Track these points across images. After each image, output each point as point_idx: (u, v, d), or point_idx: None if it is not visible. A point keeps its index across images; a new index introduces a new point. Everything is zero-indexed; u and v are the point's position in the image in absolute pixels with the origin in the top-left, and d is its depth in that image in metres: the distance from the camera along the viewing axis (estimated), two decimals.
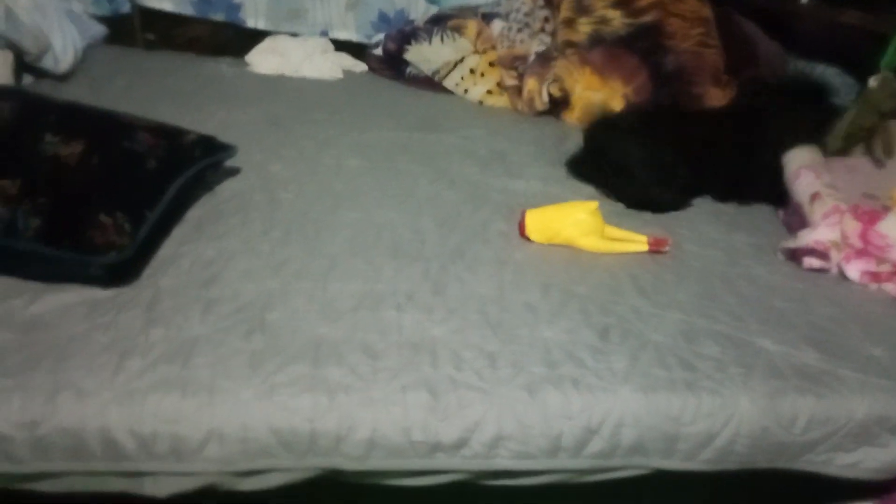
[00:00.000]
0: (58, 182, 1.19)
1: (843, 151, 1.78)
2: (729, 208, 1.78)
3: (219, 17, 2.69)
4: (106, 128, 1.34)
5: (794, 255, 1.54)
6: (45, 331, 1.07)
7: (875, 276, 1.47)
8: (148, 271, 1.25)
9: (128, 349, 1.05)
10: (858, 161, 1.85)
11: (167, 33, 2.71)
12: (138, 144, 1.34)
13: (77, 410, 0.96)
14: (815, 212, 1.57)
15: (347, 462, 1.02)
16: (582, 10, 2.41)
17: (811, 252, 1.50)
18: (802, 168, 1.71)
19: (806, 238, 1.50)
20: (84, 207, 1.17)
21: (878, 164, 1.72)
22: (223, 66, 2.51)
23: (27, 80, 2.06)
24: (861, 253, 1.49)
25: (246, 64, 2.55)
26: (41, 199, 1.15)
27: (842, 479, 1.16)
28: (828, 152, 1.79)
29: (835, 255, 1.48)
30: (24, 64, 2.02)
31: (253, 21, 2.71)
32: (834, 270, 1.50)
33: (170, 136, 1.42)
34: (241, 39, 2.66)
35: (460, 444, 1.04)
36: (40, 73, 2.08)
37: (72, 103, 1.42)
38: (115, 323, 1.11)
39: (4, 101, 1.30)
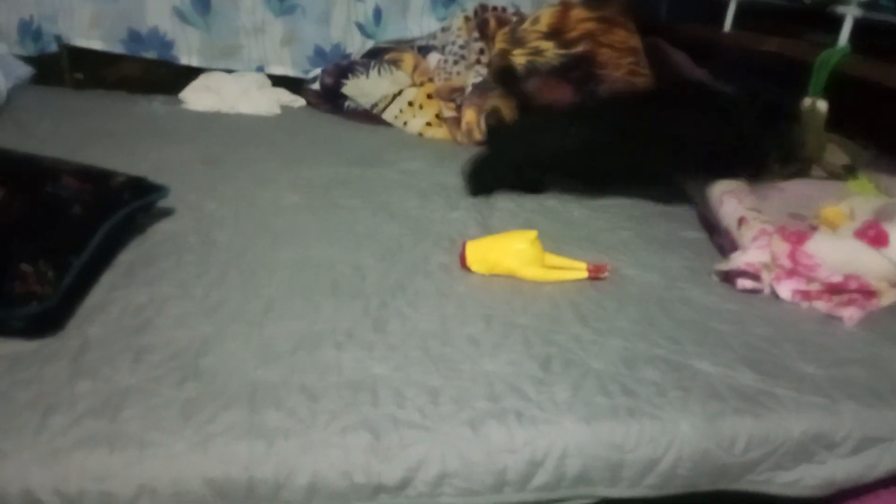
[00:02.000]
0: None
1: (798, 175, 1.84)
2: (661, 233, 1.81)
3: (150, 54, 2.66)
4: (28, 173, 1.29)
5: (728, 277, 1.57)
6: None
7: (805, 295, 1.51)
8: (75, 320, 1.20)
9: (52, 405, 1.00)
10: (785, 183, 1.92)
11: (97, 72, 2.66)
12: (63, 189, 1.29)
13: None
14: (744, 235, 1.61)
15: None
16: (516, 42, 2.46)
17: (743, 273, 1.54)
18: (724, 194, 1.76)
19: (737, 261, 1.54)
20: (4, 257, 1.12)
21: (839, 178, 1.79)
22: (156, 105, 2.48)
23: None
24: (791, 273, 1.53)
25: (180, 102, 2.52)
26: None
27: (784, 497, 1.18)
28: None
29: (766, 276, 1.52)
30: None
31: (186, 58, 2.69)
32: (766, 290, 1.54)
33: (97, 179, 1.39)
34: (175, 77, 2.63)
35: (403, 485, 1.02)
36: None
37: None
38: (39, 377, 1.06)
39: None
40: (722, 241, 1.73)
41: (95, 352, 1.13)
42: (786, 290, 1.52)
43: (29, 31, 2.53)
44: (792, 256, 1.52)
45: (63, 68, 2.62)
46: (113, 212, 1.33)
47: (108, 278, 1.34)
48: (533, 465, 1.06)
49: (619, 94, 2.25)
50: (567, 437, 1.07)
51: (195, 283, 1.36)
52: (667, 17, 2.95)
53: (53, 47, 2.58)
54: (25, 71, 2.45)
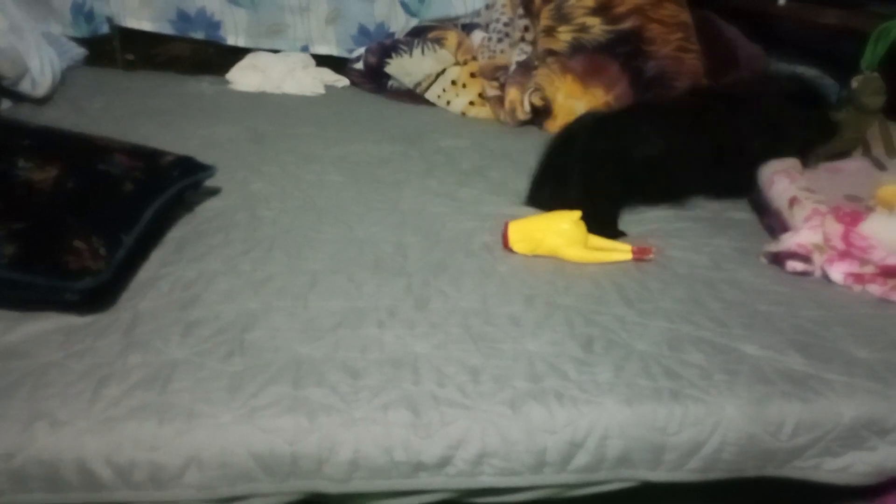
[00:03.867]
0: (32, 208, 1.18)
1: (843, 156, 1.77)
2: (709, 213, 1.77)
3: (199, 35, 2.69)
4: (81, 151, 1.33)
5: (777, 259, 1.53)
6: (21, 359, 1.06)
7: (859, 278, 1.46)
8: (126, 295, 1.24)
9: (105, 376, 1.04)
10: (843, 163, 1.85)
11: (147, 53, 2.71)
12: (114, 167, 1.33)
13: (53, 441, 0.94)
14: (796, 216, 1.56)
15: (329, 485, 1.01)
16: (562, 18, 2.42)
17: (794, 255, 1.50)
18: (775, 174, 1.71)
19: (788, 241, 1.49)
20: (59, 233, 1.16)
21: (879, 165, 1.71)
22: (204, 85, 2.51)
23: (5, 104, 2.05)
24: (844, 255, 1.48)
25: (227, 82, 2.55)
26: (15, 225, 1.14)
27: (832, 484, 1.15)
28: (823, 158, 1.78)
29: (817, 258, 1.48)
30: (1, 87, 2.01)
31: (233, 38, 2.72)
32: (817, 273, 1.50)
33: (147, 157, 1.42)
34: (222, 57, 2.66)
35: (443, 463, 1.02)
36: (18, 97, 2.08)
37: (45, 127, 1.41)
38: (92, 349, 1.09)
39: None
40: (772, 222, 1.69)
41: (146, 325, 1.16)
42: (838, 272, 1.47)
43: (81, 12, 2.59)
44: (845, 238, 1.47)
45: (114, 49, 2.68)
46: (162, 189, 1.36)
47: (158, 254, 1.37)
48: (573, 445, 1.05)
49: (675, 98, 2.11)
50: (608, 418, 1.06)
51: (242, 260, 1.38)
52: None
53: (105, 29, 2.64)
54: (78, 52, 2.51)
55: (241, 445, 0.98)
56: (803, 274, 1.50)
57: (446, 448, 1.02)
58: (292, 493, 1.02)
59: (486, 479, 1.04)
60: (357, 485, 1.01)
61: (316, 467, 1.00)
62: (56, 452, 0.94)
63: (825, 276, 1.49)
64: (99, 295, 1.16)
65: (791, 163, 1.75)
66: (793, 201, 1.59)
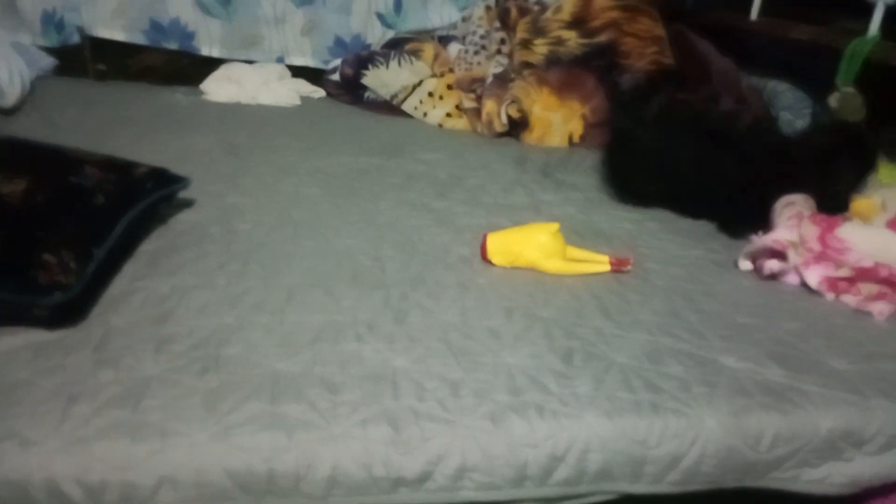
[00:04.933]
0: (0, 222, 1.14)
1: None
2: (685, 223, 1.78)
3: (172, 45, 2.66)
4: (51, 163, 1.30)
5: (756, 264, 1.55)
6: None
7: (833, 284, 1.48)
8: (97, 310, 1.21)
9: (75, 394, 1.01)
10: None
11: (119, 63, 2.67)
12: (85, 179, 1.30)
13: (21, 461, 0.91)
14: (782, 215, 1.59)
15: (308, 502, 0.99)
16: (538, 31, 2.43)
17: (770, 254, 1.52)
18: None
19: (765, 239, 1.52)
20: (28, 247, 1.13)
21: None
22: (178, 95, 2.48)
23: None
24: (820, 257, 1.50)
25: (201, 92, 2.53)
26: None
27: (810, 495, 1.16)
28: None
29: (793, 256, 1.50)
30: None
31: (207, 49, 2.69)
32: (793, 278, 1.51)
33: (119, 169, 1.39)
34: (196, 68, 2.63)
35: (424, 478, 1.01)
36: None
37: (14, 139, 1.38)
38: (62, 366, 1.06)
39: None
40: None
41: (118, 341, 1.13)
42: (814, 276, 1.49)
43: (52, 21, 2.54)
44: (822, 239, 1.50)
45: (86, 59, 2.64)
46: (135, 202, 1.34)
47: (130, 268, 1.34)
48: (554, 459, 1.04)
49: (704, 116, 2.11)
50: (589, 431, 1.06)
51: (217, 274, 1.36)
52: (692, 4, 2.90)
53: (76, 38, 2.59)
54: (48, 62, 2.47)
55: (216, 464, 0.96)
56: (780, 274, 1.51)
57: (426, 463, 1.01)
58: None
59: (467, 494, 1.03)
60: (336, 502, 0.99)
61: (293, 485, 0.98)
62: (25, 473, 0.91)
63: (802, 284, 1.50)
64: (69, 310, 1.13)
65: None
66: (788, 205, 1.63)
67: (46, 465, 0.92)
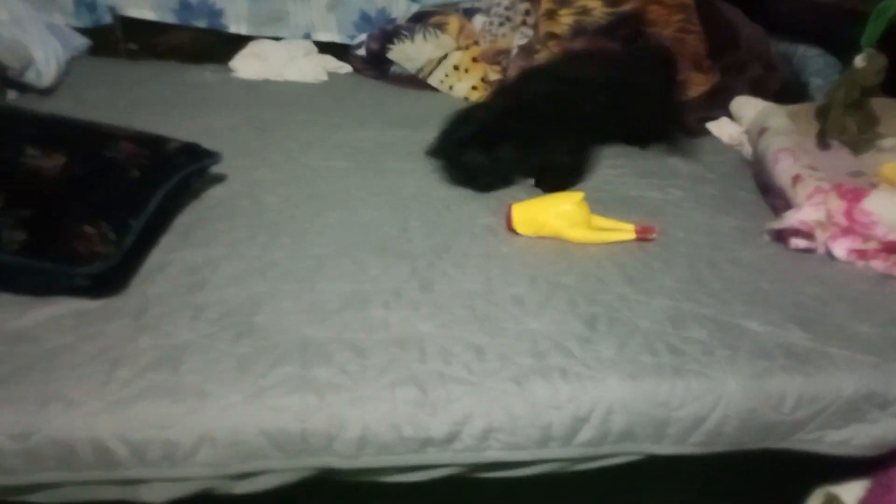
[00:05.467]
0: (40, 194, 1.19)
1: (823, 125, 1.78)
2: (715, 190, 1.78)
3: (201, 23, 2.69)
4: (87, 139, 1.34)
5: (781, 237, 1.54)
6: (34, 343, 1.08)
7: (862, 254, 1.47)
8: (136, 280, 1.26)
9: (116, 358, 1.06)
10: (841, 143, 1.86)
11: (149, 42, 2.71)
12: (120, 154, 1.34)
13: (67, 420, 0.96)
14: (799, 193, 1.57)
15: (339, 460, 1.03)
16: (563, 1, 2.41)
17: (797, 232, 1.51)
18: (780, 152, 1.71)
19: (791, 219, 1.50)
20: (67, 218, 1.18)
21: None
22: (206, 73, 2.51)
23: (11, 95, 2.06)
24: (847, 231, 1.49)
25: (229, 70, 2.55)
26: (24, 211, 1.15)
27: (834, 456, 1.17)
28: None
29: (820, 235, 1.49)
30: (6, 79, 2.02)
31: (235, 26, 2.71)
32: (820, 250, 1.51)
33: (152, 144, 1.43)
34: (224, 45, 2.66)
35: (451, 438, 1.04)
36: (23, 88, 2.08)
37: (52, 116, 1.43)
38: (104, 332, 1.11)
39: None
40: (776, 200, 1.69)
41: (156, 309, 1.18)
42: (841, 249, 1.48)
43: (84, 3, 2.59)
44: (848, 214, 1.48)
45: (117, 39, 2.68)
46: (168, 176, 1.38)
47: (165, 241, 1.39)
48: (578, 420, 1.07)
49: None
50: (612, 393, 1.08)
51: (248, 245, 1.40)
52: None
53: (108, 18, 2.63)
54: (82, 42, 2.51)
55: (251, 424, 1.00)
56: (806, 251, 1.51)
57: (453, 424, 1.04)
58: (304, 470, 1.04)
59: (493, 454, 1.06)
60: (366, 460, 1.03)
61: (326, 444, 1.02)
62: (71, 432, 0.96)
63: (828, 254, 1.50)
64: (109, 279, 1.18)
65: (795, 139, 1.75)
66: (796, 179, 1.60)
67: (91, 424, 0.97)
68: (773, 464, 1.26)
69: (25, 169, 1.22)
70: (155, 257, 1.33)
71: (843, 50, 1.92)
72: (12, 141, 1.26)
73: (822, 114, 1.79)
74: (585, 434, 1.08)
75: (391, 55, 2.57)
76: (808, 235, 1.50)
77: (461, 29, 2.57)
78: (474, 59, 2.53)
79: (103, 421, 0.97)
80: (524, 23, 2.49)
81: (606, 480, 1.40)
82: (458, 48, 2.56)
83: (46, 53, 2.14)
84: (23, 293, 1.16)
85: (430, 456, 1.05)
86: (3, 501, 1.01)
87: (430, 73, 2.54)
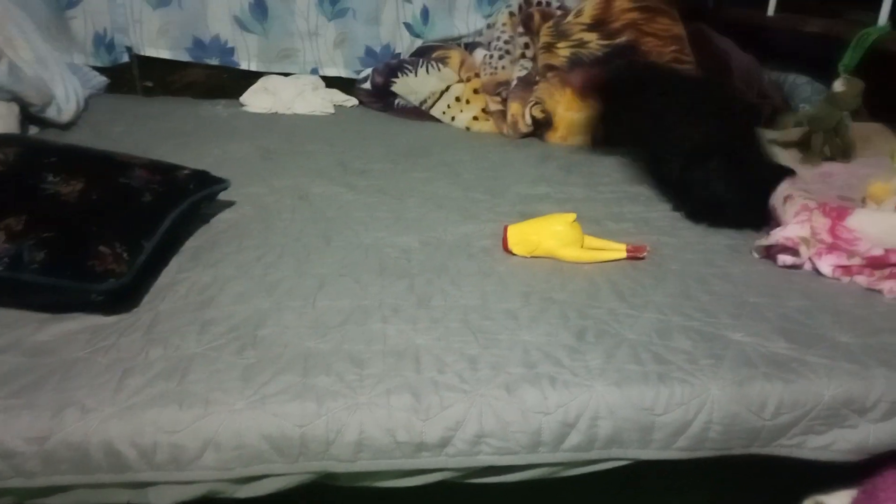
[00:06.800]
0: (60, 217, 1.27)
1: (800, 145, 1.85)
2: None
3: (213, 61, 2.82)
4: (103, 166, 1.43)
5: (769, 254, 1.59)
6: (51, 355, 1.14)
7: (847, 270, 1.52)
8: (147, 298, 1.32)
9: (128, 369, 1.12)
10: (832, 167, 1.92)
11: (164, 79, 2.83)
12: (134, 180, 1.42)
13: (81, 425, 1.02)
14: (787, 211, 1.63)
15: (337, 464, 1.08)
16: (560, 34, 2.51)
17: (783, 249, 1.56)
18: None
19: (777, 235, 1.56)
20: (84, 240, 1.25)
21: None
22: (219, 108, 2.62)
23: (32, 130, 2.17)
24: (832, 248, 1.54)
25: (241, 104, 2.66)
26: (44, 233, 1.23)
27: (817, 462, 1.20)
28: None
29: (804, 251, 1.54)
30: (29, 115, 2.13)
31: (246, 63, 2.84)
32: (807, 266, 1.56)
33: (164, 171, 1.51)
34: (235, 81, 2.78)
35: (444, 443, 1.09)
36: (45, 123, 2.19)
37: (71, 146, 1.52)
38: (116, 345, 1.18)
39: (9, 146, 1.39)
40: (769, 221, 1.75)
41: (165, 324, 1.24)
42: (826, 265, 1.53)
43: (103, 43, 2.72)
44: (832, 231, 1.54)
45: (134, 77, 2.81)
46: (180, 200, 1.45)
47: (175, 262, 1.46)
48: (566, 426, 1.11)
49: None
50: (598, 400, 1.12)
51: (254, 265, 1.46)
52: (712, 2, 2.94)
53: (125, 58, 2.77)
54: (100, 80, 2.64)
55: (254, 429, 1.05)
56: (793, 267, 1.55)
57: (446, 429, 1.09)
58: (303, 474, 1.09)
59: (485, 458, 1.11)
60: (363, 464, 1.08)
61: (324, 448, 1.07)
62: (84, 436, 1.02)
63: (815, 269, 1.54)
64: (122, 296, 1.25)
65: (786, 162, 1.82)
66: (787, 199, 1.66)
67: (103, 428, 1.03)
68: (765, 476, 1.29)
69: (46, 194, 1.30)
70: (166, 277, 1.40)
71: (830, 77, 1.98)
72: (34, 168, 1.34)
73: (804, 141, 1.86)
74: (573, 439, 1.12)
75: (395, 88, 2.67)
76: (794, 252, 1.55)
77: (462, 62, 2.67)
78: (475, 91, 2.62)
79: (114, 426, 1.03)
80: (523, 55, 2.59)
81: (605, 500, 1.45)
82: (460, 80, 2.65)
83: (67, 91, 2.25)
84: (42, 310, 1.24)
85: (424, 460, 1.10)
86: None
87: (433, 104, 2.63)
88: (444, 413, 1.09)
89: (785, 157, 1.87)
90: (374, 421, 1.08)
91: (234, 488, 1.09)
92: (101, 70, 2.69)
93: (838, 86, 1.73)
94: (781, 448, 1.18)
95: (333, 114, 2.70)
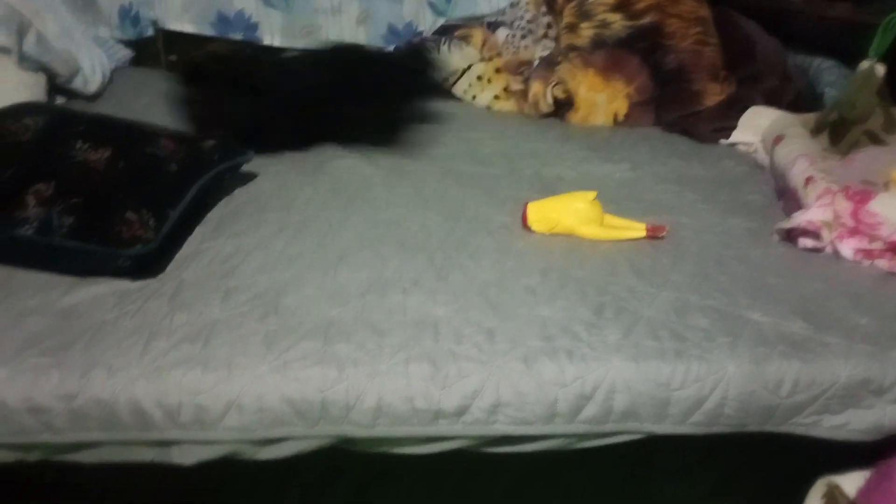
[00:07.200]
0: (88, 184, 1.30)
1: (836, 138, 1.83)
2: (725, 195, 1.83)
3: (237, 35, 2.82)
4: (130, 136, 1.45)
5: (790, 236, 1.59)
6: (79, 318, 1.18)
7: (868, 253, 1.51)
8: (172, 266, 1.35)
9: (154, 332, 1.15)
10: (856, 154, 1.90)
11: (188, 53, 2.84)
12: (160, 150, 1.44)
13: (109, 384, 1.05)
14: (809, 195, 1.62)
15: (356, 429, 1.10)
16: (584, 15, 2.49)
17: (804, 232, 1.55)
18: (798, 156, 1.76)
19: (798, 219, 1.55)
20: (112, 206, 1.28)
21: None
22: None
23: (59, 100, 2.19)
24: (854, 231, 1.53)
25: None
26: (73, 199, 1.26)
27: (832, 441, 1.21)
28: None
29: (826, 235, 1.53)
30: (55, 86, 2.15)
31: (269, 39, 2.84)
32: (828, 249, 1.55)
33: (190, 142, 1.53)
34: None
35: (461, 411, 1.11)
36: (71, 94, 2.21)
37: (99, 115, 1.54)
38: (143, 310, 1.20)
39: (38, 115, 1.42)
40: (789, 203, 1.74)
41: (190, 291, 1.27)
42: (848, 248, 1.52)
43: (128, 16, 2.73)
44: (854, 215, 1.53)
45: (158, 51, 2.82)
46: (204, 171, 1.47)
47: (199, 232, 1.48)
48: (582, 398, 1.13)
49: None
50: (615, 374, 1.14)
51: (275, 238, 1.48)
52: None
53: (150, 31, 2.78)
54: (125, 54, 2.65)
55: (275, 392, 1.08)
56: (814, 250, 1.55)
57: (463, 398, 1.11)
58: (323, 437, 1.11)
59: (501, 427, 1.13)
60: (381, 430, 1.11)
61: (344, 413, 1.09)
62: (112, 394, 1.05)
63: (835, 253, 1.54)
64: (148, 262, 1.28)
65: (810, 144, 1.80)
66: (808, 181, 1.65)
67: (130, 388, 1.06)
68: (778, 457, 1.30)
69: (75, 161, 1.33)
70: (190, 246, 1.42)
71: (856, 61, 1.96)
72: (63, 136, 1.37)
73: (837, 129, 1.84)
74: (589, 411, 1.14)
75: None
76: (815, 235, 1.55)
77: (485, 41, 2.66)
78: (497, 70, 2.61)
79: (141, 386, 1.06)
80: (546, 35, 2.57)
81: (618, 479, 1.47)
82: (482, 59, 2.64)
83: (93, 63, 2.27)
84: (70, 273, 1.27)
85: (441, 427, 1.12)
86: (48, 461, 1.10)
87: (455, 83, 2.63)
88: (461, 382, 1.11)
89: (809, 144, 1.84)
90: (393, 388, 1.10)
91: (254, 450, 1.12)
92: (126, 43, 2.71)
93: (866, 68, 1.71)
94: (797, 426, 1.19)
95: None
